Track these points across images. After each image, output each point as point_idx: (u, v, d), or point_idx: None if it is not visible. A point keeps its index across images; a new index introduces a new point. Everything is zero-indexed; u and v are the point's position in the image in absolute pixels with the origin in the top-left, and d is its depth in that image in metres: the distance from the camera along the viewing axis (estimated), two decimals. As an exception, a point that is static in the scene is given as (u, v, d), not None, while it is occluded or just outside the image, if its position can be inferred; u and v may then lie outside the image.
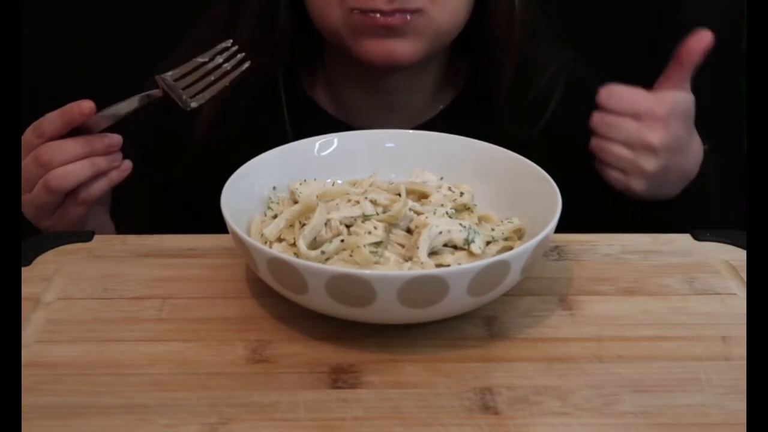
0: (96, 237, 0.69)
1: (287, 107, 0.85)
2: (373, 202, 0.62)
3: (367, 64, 0.78)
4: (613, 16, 1.06)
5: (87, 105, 0.66)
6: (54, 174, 0.67)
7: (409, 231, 0.62)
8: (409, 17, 0.75)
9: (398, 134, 0.73)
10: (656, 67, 0.80)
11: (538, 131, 0.85)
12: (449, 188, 0.66)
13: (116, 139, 0.69)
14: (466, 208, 0.65)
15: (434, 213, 0.61)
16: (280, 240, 0.62)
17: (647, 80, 0.77)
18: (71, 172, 0.67)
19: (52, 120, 0.67)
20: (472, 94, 0.88)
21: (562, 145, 0.80)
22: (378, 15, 0.74)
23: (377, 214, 0.62)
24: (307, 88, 0.88)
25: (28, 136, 0.68)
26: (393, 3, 0.74)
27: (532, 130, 0.84)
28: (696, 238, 0.70)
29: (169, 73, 0.69)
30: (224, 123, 0.82)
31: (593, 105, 0.77)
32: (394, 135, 0.73)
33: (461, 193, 0.65)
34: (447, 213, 0.62)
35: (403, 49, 0.77)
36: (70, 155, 0.67)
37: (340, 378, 0.54)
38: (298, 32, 0.82)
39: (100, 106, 0.69)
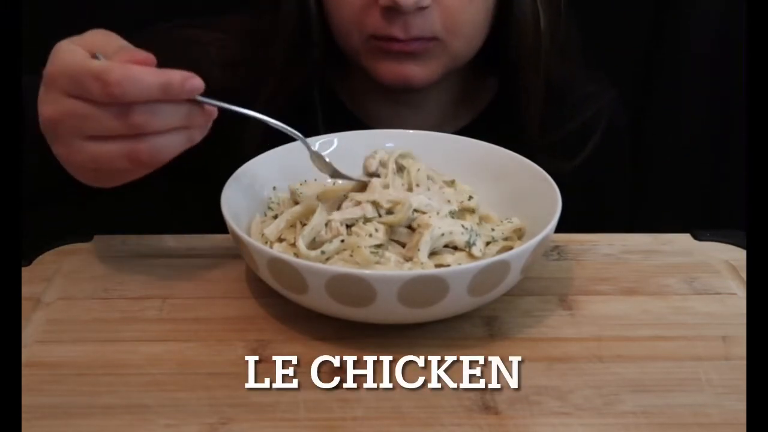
0: (96, 237, 0.69)
1: (322, 113, 0.84)
2: (376, 204, 0.62)
3: (382, 84, 0.78)
4: (611, 17, 1.06)
5: (198, 84, 0.55)
6: (151, 145, 0.54)
7: (410, 227, 0.61)
8: (424, 45, 0.75)
9: (398, 134, 0.73)
10: (655, 68, 0.80)
11: (571, 166, 0.83)
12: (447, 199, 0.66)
13: (214, 110, 0.58)
14: (469, 210, 0.64)
15: (437, 213, 0.61)
16: (280, 240, 0.62)
17: (646, 80, 0.77)
18: (168, 147, 0.55)
19: (141, 79, 0.53)
20: (498, 113, 0.87)
21: (590, 185, 0.81)
22: (395, 42, 0.74)
23: (379, 216, 0.62)
24: (338, 92, 0.88)
25: (86, 72, 0.54)
26: (409, 32, 0.74)
27: (565, 163, 0.82)
28: (696, 238, 0.70)
29: None
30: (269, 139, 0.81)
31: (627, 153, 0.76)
32: (394, 135, 0.73)
33: (470, 197, 0.65)
34: (450, 213, 0.62)
35: (418, 72, 0.77)
36: (168, 124, 0.55)
37: (340, 378, 0.54)
38: (328, 46, 0.82)
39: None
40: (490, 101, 0.87)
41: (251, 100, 0.81)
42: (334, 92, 0.87)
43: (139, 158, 0.55)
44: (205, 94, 0.59)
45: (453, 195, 0.65)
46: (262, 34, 0.82)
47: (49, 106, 0.56)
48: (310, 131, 0.79)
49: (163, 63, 0.63)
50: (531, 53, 0.80)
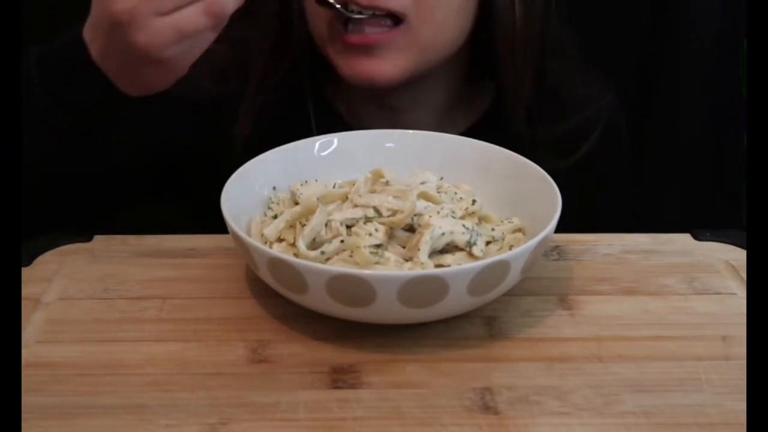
0: (96, 237, 0.69)
1: (315, 120, 0.84)
2: (377, 210, 0.62)
3: (350, 83, 0.77)
4: (610, 18, 1.06)
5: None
6: None
7: (411, 228, 0.62)
8: (389, 35, 0.73)
9: (398, 134, 0.73)
10: (654, 68, 0.80)
11: (567, 165, 0.81)
12: (460, 197, 0.65)
13: None
14: (471, 213, 0.64)
15: (438, 213, 0.61)
16: (280, 240, 0.62)
17: (646, 80, 0.77)
18: None
19: None
20: (495, 117, 0.85)
21: (590, 185, 0.81)
22: (350, 35, 0.73)
23: (380, 215, 0.62)
24: (333, 102, 0.87)
25: None
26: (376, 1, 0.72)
27: (562, 161, 0.80)
28: (696, 238, 0.70)
29: None
30: (259, 136, 0.80)
31: (626, 153, 0.78)
32: (394, 135, 0.73)
33: (473, 201, 0.65)
34: (452, 213, 0.62)
35: (382, 69, 0.75)
36: None
37: (340, 378, 0.54)
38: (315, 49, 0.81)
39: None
40: (489, 105, 0.87)
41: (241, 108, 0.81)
42: (329, 102, 0.86)
43: (215, 10, 0.60)
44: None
45: (461, 195, 0.65)
46: (248, 39, 0.81)
47: (119, 2, 0.60)
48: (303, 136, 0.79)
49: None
50: (511, 47, 0.78)
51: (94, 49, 0.64)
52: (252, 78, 0.81)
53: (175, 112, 0.82)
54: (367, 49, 0.74)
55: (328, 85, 0.87)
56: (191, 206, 0.85)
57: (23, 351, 0.55)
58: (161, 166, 0.86)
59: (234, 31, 0.84)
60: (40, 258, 0.66)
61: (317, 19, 0.77)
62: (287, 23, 0.80)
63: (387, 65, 0.75)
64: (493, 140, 0.70)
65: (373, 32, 0.73)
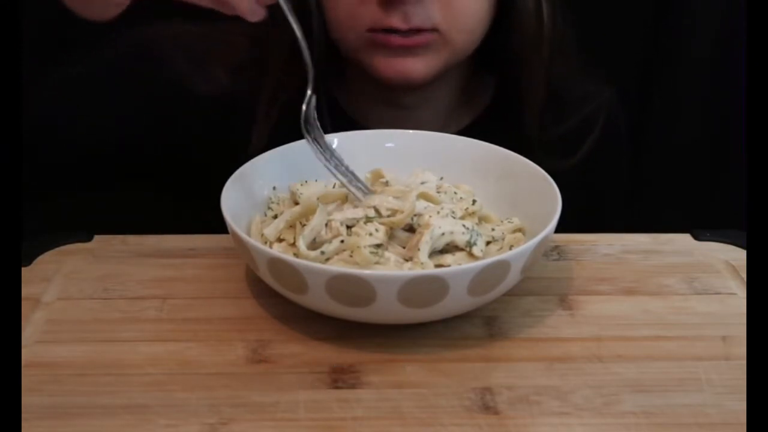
0: (96, 237, 0.69)
1: (330, 126, 0.84)
2: (377, 210, 0.62)
3: (382, 81, 0.78)
4: (611, 17, 1.06)
5: None
6: None
7: (411, 228, 0.62)
8: (425, 38, 0.74)
9: (398, 134, 0.73)
10: (655, 68, 0.79)
11: (570, 164, 0.83)
12: (460, 197, 0.65)
13: None
14: (471, 213, 0.64)
15: (438, 213, 0.61)
16: (280, 240, 0.62)
17: (646, 80, 0.77)
18: None
19: None
20: (497, 113, 0.86)
21: (590, 184, 0.81)
22: (395, 35, 0.74)
23: (380, 215, 0.62)
24: (342, 104, 0.88)
25: None
26: (409, 22, 0.73)
27: (563, 161, 0.82)
28: (696, 238, 0.70)
29: None
30: (275, 136, 0.79)
31: (626, 150, 0.78)
32: (394, 135, 0.73)
33: (473, 201, 0.65)
34: (452, 213, 0.62)
35: (418, 67, 0.76)
36: None
37: (340, 378, 0.54)
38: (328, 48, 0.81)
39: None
40: (490, 101, 0.87)
41: (255, 103, 0.81)
42: (334, 98, 0.86)
43: None
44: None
45: (461, 195, 0.65)
46: (264, 35, 0.81)
47: None
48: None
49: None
50: (533, 48, 0.79)
51: None
52: (270, 78, 0.81)
53: (181, 111, 0.82)
54: (405, 51, 0.76)
55: (338, 87, 0.87)
56: (191, 206, 0.85)
57: (23, 351, 0.55)
58: (162, 165, 0.86)
59: (254, 27, 0.85)
60: (40, 258, 0.66)
61: (347, 27, 0.77)
62: (305, 26, 0.79)
63: (422, 65, 0.77)
64: (494, 136, 0.71)
65: (411, 40, 0.75)
